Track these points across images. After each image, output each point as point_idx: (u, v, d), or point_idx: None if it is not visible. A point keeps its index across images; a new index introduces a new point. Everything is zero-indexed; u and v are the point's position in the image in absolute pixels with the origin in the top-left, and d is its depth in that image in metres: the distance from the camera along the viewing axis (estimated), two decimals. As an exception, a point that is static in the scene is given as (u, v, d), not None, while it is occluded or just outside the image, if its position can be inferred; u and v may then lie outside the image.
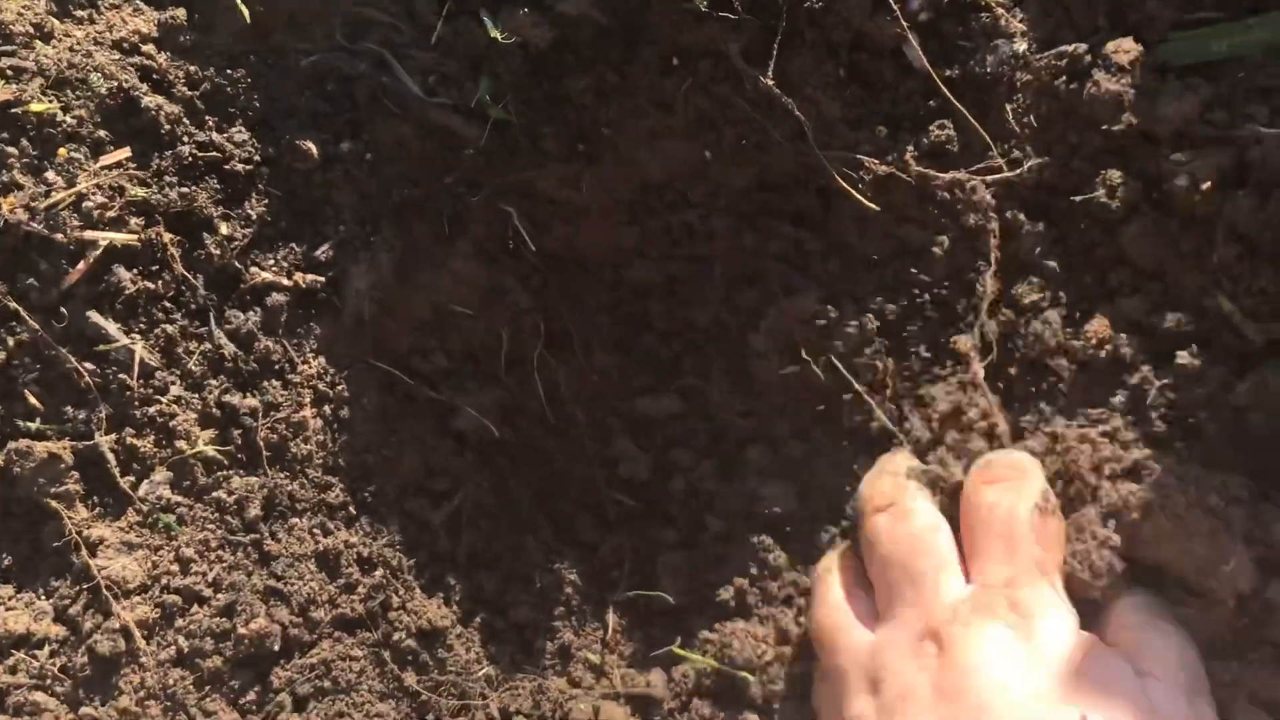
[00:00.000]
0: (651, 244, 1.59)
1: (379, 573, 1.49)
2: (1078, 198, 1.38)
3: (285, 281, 1.50)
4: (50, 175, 1.38)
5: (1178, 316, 1.30)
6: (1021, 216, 1.41)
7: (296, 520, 1.48)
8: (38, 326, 1.37)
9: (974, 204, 1.41)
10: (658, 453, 1.61)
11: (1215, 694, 1.16)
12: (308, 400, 1.50)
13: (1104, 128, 1.36)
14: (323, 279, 1.52)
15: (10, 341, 1.37)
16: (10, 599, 1.36)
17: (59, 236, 1.37)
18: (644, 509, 1.61)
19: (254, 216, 1.50)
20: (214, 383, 1.47)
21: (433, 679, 1.47)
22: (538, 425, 1.61)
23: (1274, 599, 1.17)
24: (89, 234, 1.38)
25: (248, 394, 1.48)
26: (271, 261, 1.51)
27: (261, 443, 1.47)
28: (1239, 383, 1.24)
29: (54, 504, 1.36)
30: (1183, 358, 1.27)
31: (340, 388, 1.52)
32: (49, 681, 1.35)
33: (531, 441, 1.61)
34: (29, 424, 1.38)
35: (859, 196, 1.41)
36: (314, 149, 1.50)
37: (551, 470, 1.61)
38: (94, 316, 1.40)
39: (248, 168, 1.50)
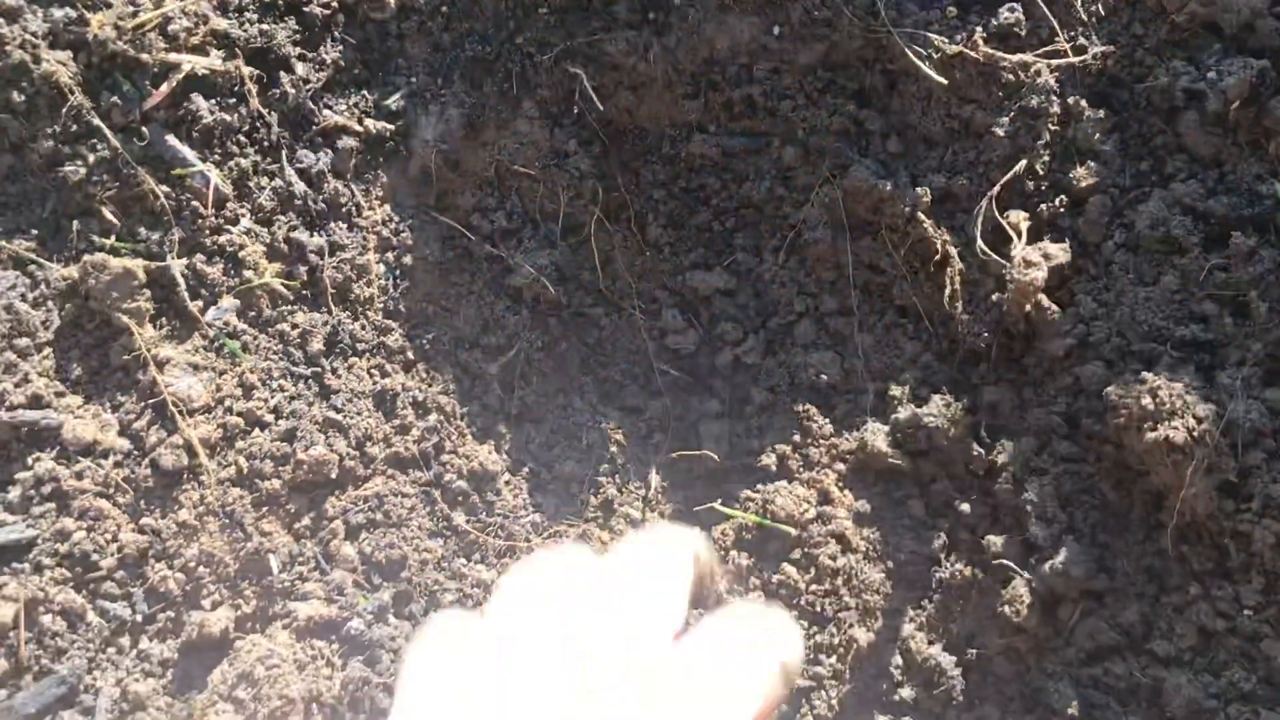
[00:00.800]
0: (712, 118, 1.62)
1: (433, 417, 1.53)
2: (1139, 86, 1.41)
3: (356, 126, 1.53)
4: (138, -4, 1.41)
5: (1232, 200, 1.34)
6: (1083, 103, 1.44)
7: (356, 360, 1.51)
8: (118, 145, 1.40)
9: (1037, 87, 1.44)
10: (706, 326, 1.65)
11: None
12: (372, 245, 1.54)
13: (1170, 17, 1.39)
14: (392, 127, 1.55)
15: (91, 158, 1.39)
16: (78, 408, 1.39)
17: (144, 57, 1.39)
18: (689, 380, 1.64)
19: (328, 60, 1.53)
20: (283, 219, 1.49)
21: (480, 520, 1.50)
22: (590, 291, 1.64)
23: None
24: (173, 56, 1.40)
25: (315, 233, 1.51)
26: (343, 106, 1.53)
27: (327, 281, 1.50)
28: (1291, 263, 1.28)
29: (125, 319, 1.39)
30: (1237, 239, 1.31)
31: (404, 235, 1.55)
32: (112, 491, 1.38)
33: (583, 306, 1.64)
34: (104, 240, 1.40)
35: (928, 70, 1.44)
36: (391, -2, 1.53)
37: (600, 336, 1.64)
38: (172, 140, 1.42)
39: (325, 12, 1.52)
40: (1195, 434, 1.21)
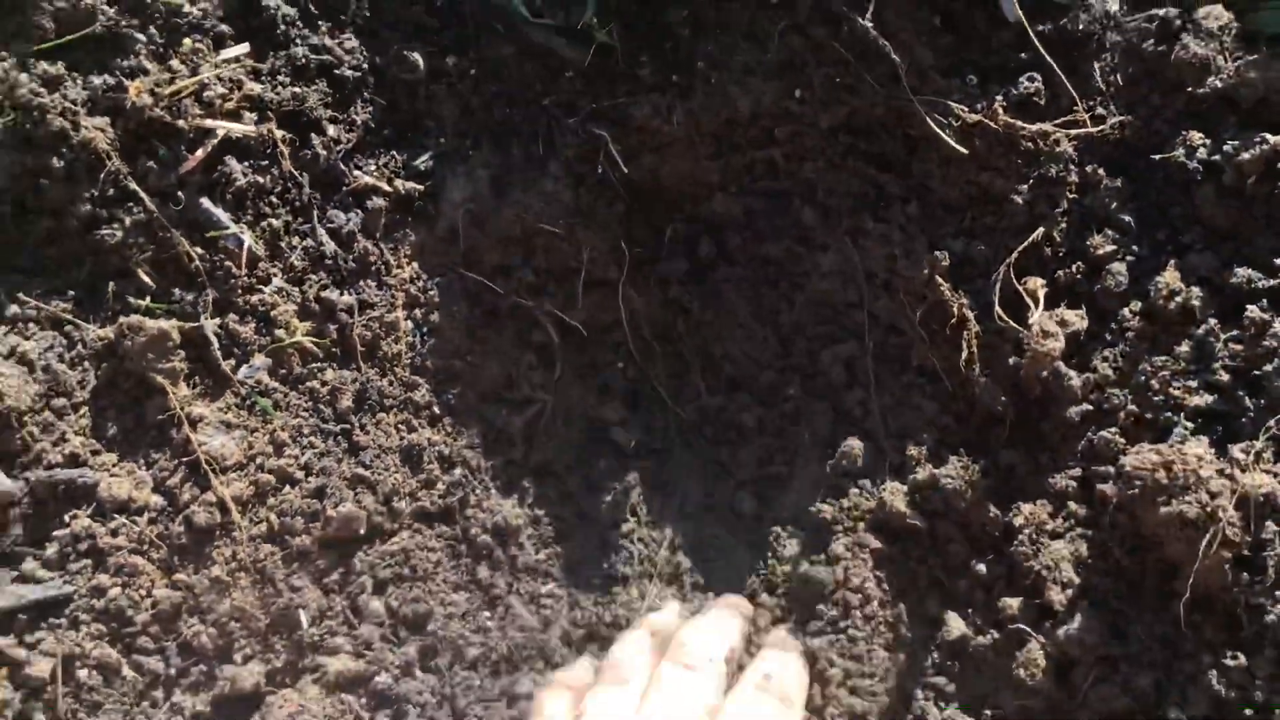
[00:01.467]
0: (734, 179, 1.65)
1: (458, 471, 1.56)
2: (1157, 156, 1.44)
3: (385, 187, 1.56)
4: (175, 64, 1.44)
5: (1248, 273, 1.36)
6: (1101, 171, 1.46)
7: (384, 415, 1.54)
8: (154, 209, 1.43)
9: (1056, 155, 1.47)
10: (726, 390, 1.68)
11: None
12: (400, 302, 1.57)
13: (1188, 90, 1.42)
14: (421, 188, 1.58)
15: (128, 221, 1.43)
16: (114, 466, 1.42)
17: (180, 123, 1.43)
18: (712, 435, 1.67)
19: (359, 122, 1.56)
20: (314, 278, 1.53)
21: (504, 574, 1.53)
22: (614, 349, 1.67)
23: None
24: (208, 122, 1.44)
25: (345, 291, 1.54)
26: (373, 166, 1.57)
27: (356, 339, 1.53)
28: (1304, 338, 1.30)
29: (160, 379, 1.42)
30: (1252, 311, 1.33)
31: (431, 294, 1.58)
32: (146, 547, 1.41)
33: (606, 363, 1.67)
34: (140, 301, 1.44)
35: (948, 139, 1.47)
36: (420, 61, 1.56)
37: (625, 393, 1.67)
38: (206, 203, 1.46)
39: (356, 74, 1.55)
40: (1209, 509, 1.23)
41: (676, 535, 1.61)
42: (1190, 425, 1.34)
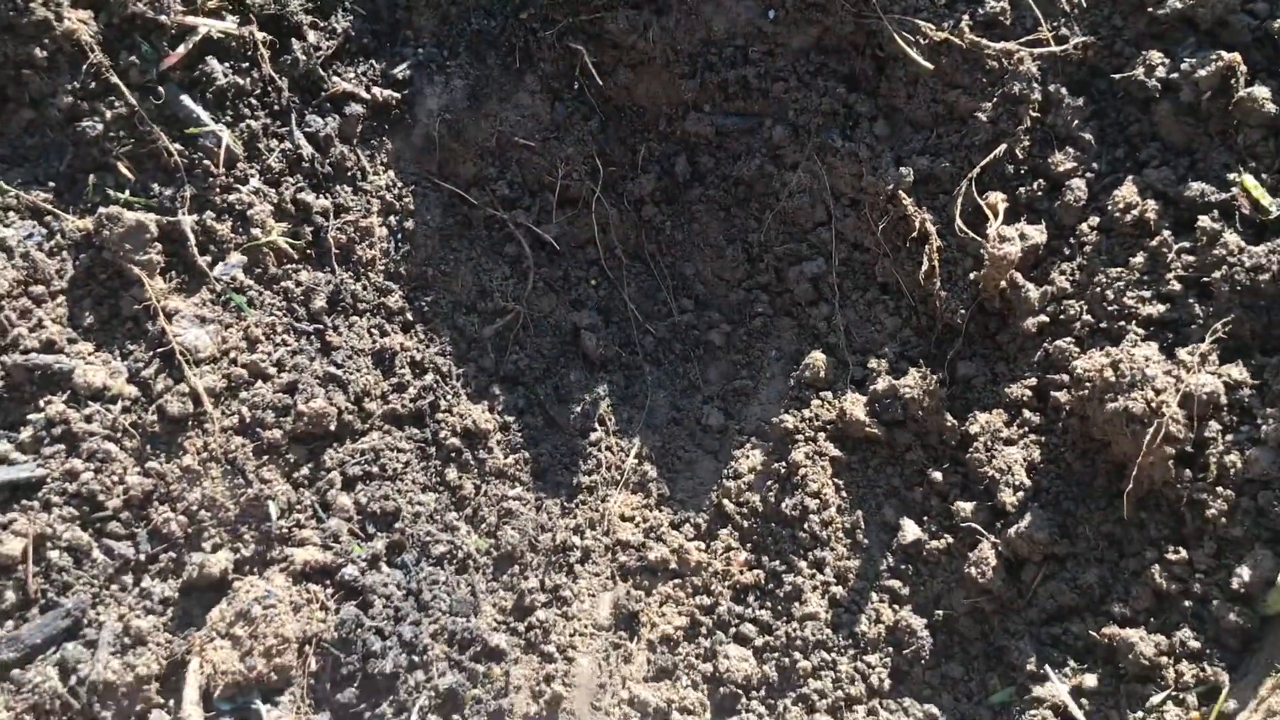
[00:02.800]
0: (707, 98, 1.67)
1: (429, 376, 1.58)
2: (1117, 76, 1.47)
3: (363, 94, 1.59)
4: (159, -39, 1.46)
5: (1201, 187, 1.40)
6: (1063, 91, 1.50)
7: (357, 318, 1.57)
8: (135, 103, 1.45)
9: (1020, 74, 1.50)
10: (696, 308, 1.71)
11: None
12: (376, 209, 1.59)
13: (1149, 10, 1.45)
14: (398, 96, 1.60)
15: (108, 115, 1.45)
16: (90, 355, 1.44)
17: (163, 18, 1.45)
18: (681, 351, 1.70)
19: (339, 29, 1.58)
20: (291, 180, 1.55)
21: (473, 476, 1.56)
22: (587, 264, 1.70)
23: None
24: (190, 19, 1.46)
25: (321, 195, 1.56)
26: (352, 74, 1.59)
27: (331, 241, 1.55)
28: (1254, 248, 1.34)
29: (137, 270, 1.44)
30: (1204, 222, 1.37)
31: (406, 201, 1.61)
32: (120, 435, 1.43)
33: (578, 278, 1.70)
34: (119, 194, 1.46)
35: (915, 55, 1.50)
36: (401, -29, 1.59)
37: (596, 307, 1.70)
38: (187, 100, 1.48)
39: (337, -18, 1.58)
40: (1153, 405, 1.27)
41: (644, 446, 1.63)
42: (1141, 332, 1.38)
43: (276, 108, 1.55)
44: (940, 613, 1.44)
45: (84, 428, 1.42)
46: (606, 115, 1.69)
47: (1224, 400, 1.27)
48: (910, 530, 1.47)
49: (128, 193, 1.47)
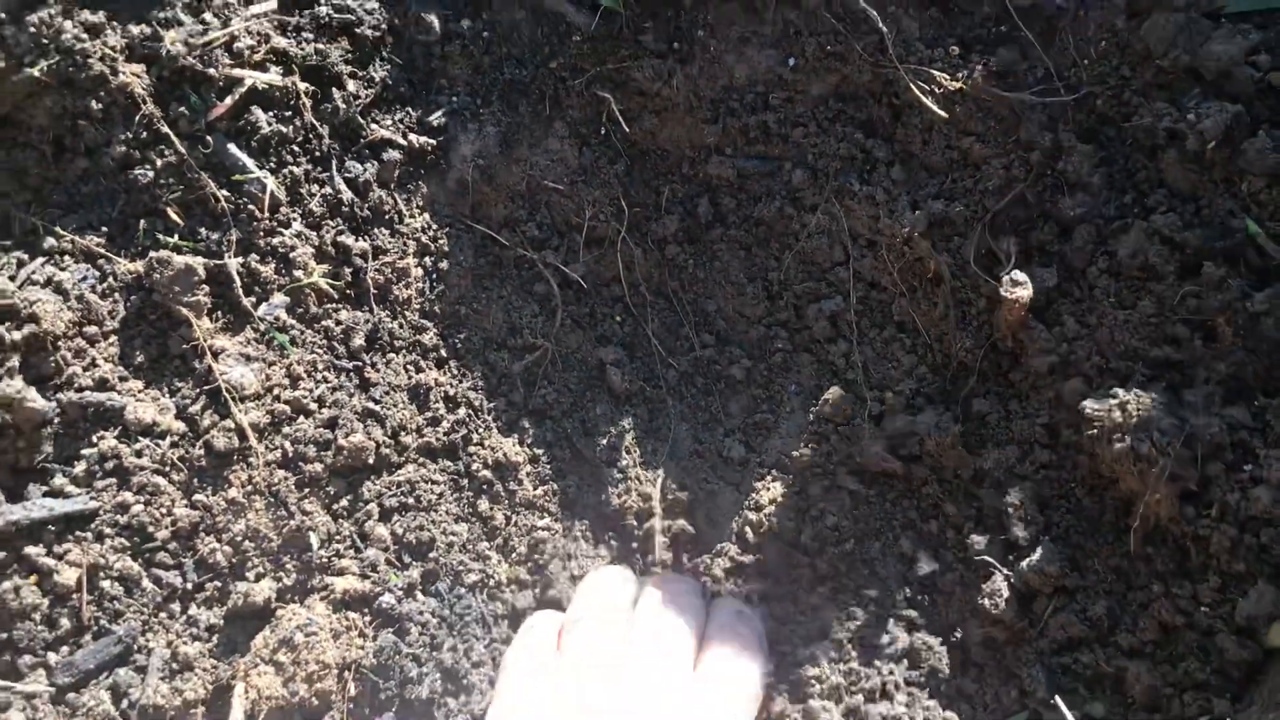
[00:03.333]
0: (729, 142, 1.74)
1: (462, 410, 1.65)
2: (1125, 124, 1.53)
3: (400, 140, 1.66)
4: (207, 16, 1.54)
5: (1206, 233, 1.45)
6: (1073, 138, 1.56)
7: (394, 355, 1.64)
8: (184, 151, 1.52)
9: (1031, 121, 1.56)
10: (717, 344, 1.77)
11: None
12: (412, 250, 1.66)
13: (1156, 62, 1.51)
14: (434, 142, 1.67)
15: (159, 163, 1.52)
16: (140, 392, 1.51)
17: (211, 71, 1.52)
18: (703, 385, 1.76)
19: (377, 79, 1.65)
20: (331, 224, 1.62)
21: (504, 508, 1.63)
22: (612, 301, 1.77)
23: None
24: (237, 71, 1.53)
25: (360, 237, 1.63)
26: (389, 121, 1.66)
27: (369, 282, 1.62)
28: (1257, 293, 1.39)
29: (185, 311, 1.51)
30: (1209, 268, 1.42)
31: (441, 243, 1.68)
32: (168, 469, 1.50)
33: (604, 315, 1.76)
34: (168, 238, 1.53)
35: (930, 104, 1.56)
36: (436, 23, 1.66)
37: (621, 343, 1.76)
38: (233, 148, 1.55)
39: (375, 34, 1.65)
40: (1159, 445, 1.32)
41: (669, 478, 1.69)
42: (1148, 373, 1.43)
43: (318, 154, 1.62)
44: (956, 636, 1.49)
45: (134, 462, 1.49)
46: (632, 159, 1.76)
47: (1227, 440, 1.33)
48: (926, 563, 1.53)
49: (176, 237, 1.54)
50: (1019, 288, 1.47)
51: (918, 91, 1.57)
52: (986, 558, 1.47)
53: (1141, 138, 1.51)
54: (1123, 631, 1.39)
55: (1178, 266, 1.46)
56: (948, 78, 1.58)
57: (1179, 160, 1.49)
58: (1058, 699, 1.34)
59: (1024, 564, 1.44)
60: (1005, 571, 1.46)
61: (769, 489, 1.63)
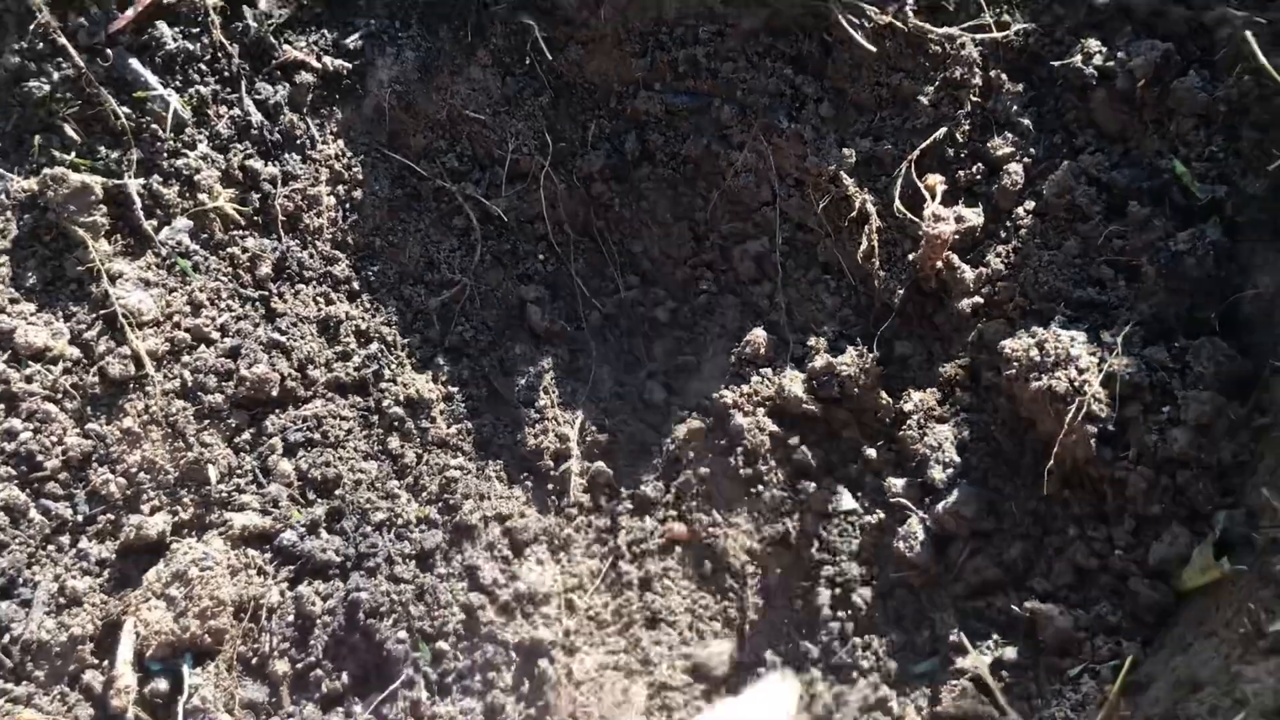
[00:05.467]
0: (658, 77, 1.69)
1: (374, 345, 1.60)
2: (1057, 63, 1.50)
3: (314, 63, 1.59)
4: (108, -77, 1.47)
5: (1133, 172, 1.42)
6: (1004, 77, 1.52)
7: (303, 286, 1.58)
8: (82, 65, 1.45)
9: (962, 59, 1.52)
10: (642, 285, 1.73)
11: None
12: (324, 177, 1.60)
13: (1089, 0, 1.48)
14: (349, 66, 1.61)
15: (55, 75, 1.45)
16: (32, 315, 1.45)
17: (111, -19, 1.45)
18: (627, 327, 1.72)
19: (291, -2, 1.59)
20: (239, 147, 1.56)
21: (415, 446, 1.58)
22: (535, 239, 1.71)
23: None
24: (139, -17, 1.46)
25: (269, 162, 1.57)
26: (303, 43, 1.60)
27: (278, 209, 1.56)
28: (1180, 233, 1.36)
29: (81, 232, 1.45)
30: (1134, 208, 1.39)
31: (355, 171, 1.62)
32: (60, 396, 1.44)
33: (526, 252, 1.71)
34: (65, 155, 1.46)
35: (860, 38, 1.52)
36: (354, -58, 1.60)
37: (544, 281, 1.71)
38: (135, 64, 1.48)
39: (290, -49, 1.58)
40: (1076, 384, 1.30)
41: (588, 419, 1.65)
42: (1070, 314, 1.40)
43: (226, 74, 1.56)
44: (874, 583, 1.46)
45: (24, 388, 1.43)
46: (557, 91, 1.70)
47: (1146, 381, 1.30)
48: (846, 500, 1.50)
49: (74, 155, 1.47)
50: (941, 223, 1.44)
51: (847, 25, 1.53)
52: (903, 499, 1.44)
53: (1072, 77, 1.48)
54: (1037, 576, 1.36)
55: (1104, 207, 1.43)
56: (877, 11, 1.54)
57: (1108, 100, 1.46)
58: (965, 641, 1.31)
59: (939, 506, 1.41)
60: (921, 515, 1.43)
61: (688, 427, 1.59)
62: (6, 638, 1.37)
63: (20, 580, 1.40)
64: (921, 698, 1.36)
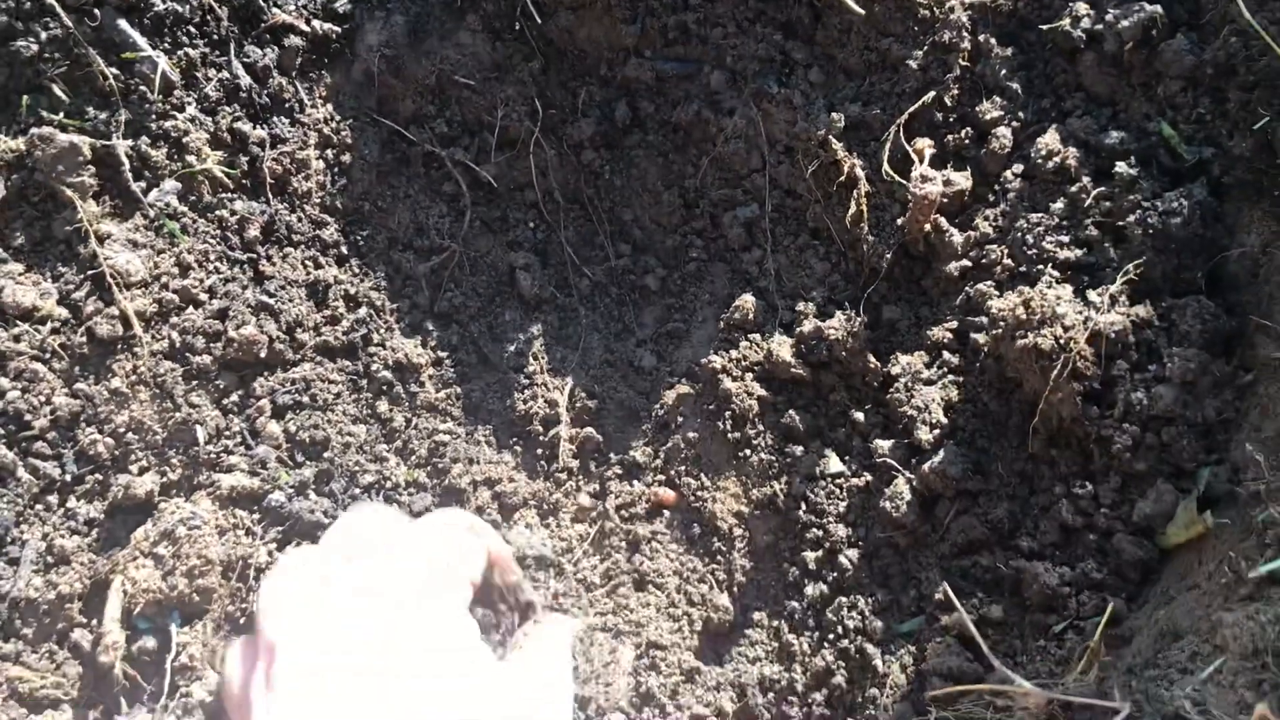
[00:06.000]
0: (648, 43, 1.69)
1: (363, 310, 1.60)
2: (1045, 27, 1.50)
3: (303, 26, 1.59)
4: (96, -117, 1.46)
5: (1121, 135, 1.43)
6: (993, 40, 1.52)
7: (291, 250, 1.58)
8: (71, 25, 1.45)
9: (951, 23, 1.52)
10: (632, 253, 1.73)
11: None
12: (313, 141, 1.60)
13: (1078, -38, 1.48)
14: (338, 30, 1.61)
15: (43, 35, 1.45)
16: (20, 275, 1.45)
17: (99, -59, 1.45)
18: (617, 295, 1.72)
19: (280, -39, 1.59)
20: (227, 109, 1.56)
21: (404, 410, 1.58)
22: (525, 206, 1.72)
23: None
24: (128, -57, 1.46)
25: (257, 125, 1.57)
26: (293, 6, 1.60)
27: (266, 172, 1.56)
28: (1167, 193, 1.37)
29: (69, 192, 1.45)
30: (1121, 169, 1.40)
31: (344, 135, 1.62)
32: (48, 355, 1.44)
33: (516, 219, 1.71)
34: (53, 115, 1.46)
35: (849, 2, 1.52)
36: (344, -94, 1.60)
37: (533, 248, 1.71)
38: (124, 24, 1.48)
39: (279, -85, 1.58)
40: (1062, 341, 1.30)
41: (577, 385, 1.65)
42: (1057, 275, 1.40)
43: (215, 37, 1.55)
44: (860, 544, 1.46)
45: (12, 347, 1.42)
46: (548, 58, 1.70)
47: (1132, 339, 1.30)
48: (834, 462, 1.50)
49: (62, 115, 1.47)
50: (929, 184, 1.44)
51: (835, -14, 1.53)
52: (890, 460, 1.44)
53: (1060, 40, 1.48)
54: (1023, 535, 1.36)
55: (1092, 170, 1.43)
56: (867, -26, 1.53)
57: (1097, 63, 1.46)
58: (953, 598, 1.31)
59: (926, 467, 1.41)
60: (908, 474, 1.43)
61: (677, 392, 1.59)
62: (-6, 596, 1.37)
63: (9, 539, 1.40)
64: (907, 655, 1.37)
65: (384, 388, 1.58)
